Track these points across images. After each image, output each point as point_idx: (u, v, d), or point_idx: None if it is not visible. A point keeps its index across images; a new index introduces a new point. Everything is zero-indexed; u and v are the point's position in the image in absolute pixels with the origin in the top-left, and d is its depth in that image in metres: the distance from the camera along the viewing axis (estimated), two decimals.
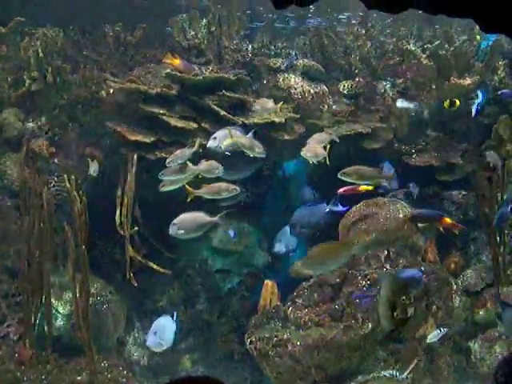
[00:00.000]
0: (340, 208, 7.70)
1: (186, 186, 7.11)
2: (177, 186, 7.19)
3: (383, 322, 5.40)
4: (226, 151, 7.11)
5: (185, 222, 7.04)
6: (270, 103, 7.75)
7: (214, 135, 7.15)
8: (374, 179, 7.30)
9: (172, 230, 7.06)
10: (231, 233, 8.11)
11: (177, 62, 7.74)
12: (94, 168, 7.54)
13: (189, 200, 7.10)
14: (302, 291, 7.44)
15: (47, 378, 6.91)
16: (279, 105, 7.74)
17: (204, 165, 7.12)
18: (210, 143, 7.12)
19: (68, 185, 6.67)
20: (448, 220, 7.38)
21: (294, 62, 8.73)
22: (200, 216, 7.14)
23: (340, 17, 9.84)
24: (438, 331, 6.81)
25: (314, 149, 7.30)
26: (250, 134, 7.17)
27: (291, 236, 8.11)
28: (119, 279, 7.92)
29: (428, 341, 6.83)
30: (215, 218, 7.18)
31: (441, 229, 7.55)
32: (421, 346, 7.25)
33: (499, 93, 8.12)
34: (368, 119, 8.49)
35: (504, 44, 9.01)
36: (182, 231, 7.03)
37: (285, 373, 6.99)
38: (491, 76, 8.72)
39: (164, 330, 6.86)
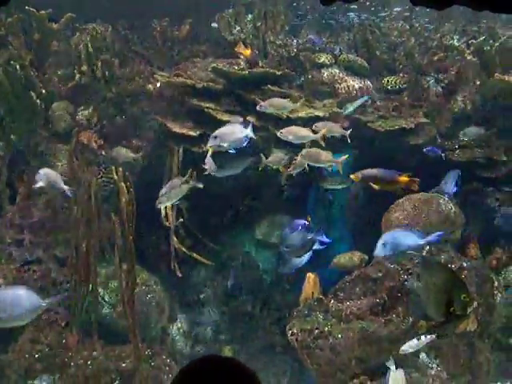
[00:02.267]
0: (324, 239, 7.53)
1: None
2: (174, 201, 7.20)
3: (433, 313, 5.40)
4: (231, 148, 7.03)
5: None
6: (285, 103, 7.60)
7: (214, 134, 6.96)
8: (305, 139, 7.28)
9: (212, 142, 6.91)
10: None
11: (247, 52, 7.88)
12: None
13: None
14: (343, 284, 7.47)
15: (93, 364, 7.08)
16: (293, 105, 7.64)
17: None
18: (211, 142, 6.96)
19: (115, 176, 6.82)
20: (404, 178, 7.06)
21: (322, 44, 8.72)
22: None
23: (382, 14, 9.84)
24: (416, 341, 6.52)
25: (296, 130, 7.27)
26: (250, 129, 7.08)
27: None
28: (164, 270, 8.05)
29: (402, 351, 6.58)
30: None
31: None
32: (462, 341, 7.26)
33: (424, 150, 8.12)
34: (411, 114, 8.49)
35: None
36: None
37: (325, 365, 7.04)
38: None
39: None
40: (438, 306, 5.32)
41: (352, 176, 7.21)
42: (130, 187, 6.67)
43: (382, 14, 9.85)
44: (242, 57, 8.34)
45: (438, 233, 6.93)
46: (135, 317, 6.79)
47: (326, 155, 7.24)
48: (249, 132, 6.99)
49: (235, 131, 6.97)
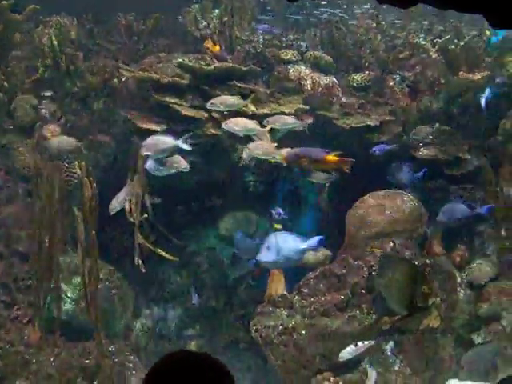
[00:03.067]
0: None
1: None
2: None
3: (397, 307, 5.43)
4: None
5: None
6: (232, 99, 7.53)
7: (143, 143, 6.97)
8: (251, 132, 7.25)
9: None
10: (279, 211, 8.05)
11: (216, 48, 7.84)
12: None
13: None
14: (308, 281, 7.49)
15: (55, 361, 7.00)
16: (243, 102, 7.57)
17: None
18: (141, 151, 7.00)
19: (79, 171, 6.75)
20: (333, 158, 6.82)
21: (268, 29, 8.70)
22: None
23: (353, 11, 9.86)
24: (353, 347, 6.55)
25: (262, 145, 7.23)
26: (181, 141, 7.00)
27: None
28: (128, 265, 7.97)
29: (341, 358, 6.62)
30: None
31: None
32: (424, 337, 7.32)
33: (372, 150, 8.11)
34: (377, 112, 8.52)
35: None
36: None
37: (289, 361, 7.08)
38: (500, 71, 8.69)
39: None
40: (401, 300, 5.36)
41: (278, 157, 7.12)
42: (93, 182, 6.61)
43: (353, 11, 9.86)
44: (209, 52, 8.30)
45: (320, 237, 7.02)
46: (98, 313, 6.73)
47: (270, 147, 7.18)
48: (179, 143, 6.96)
49: (163, 142, 6.96)
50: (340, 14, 9.73)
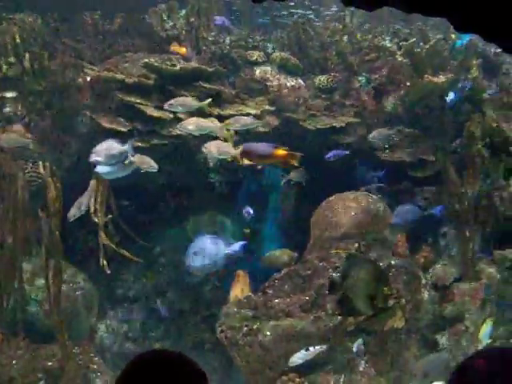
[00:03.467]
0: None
1: None
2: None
3: (363, 307, 5.46)
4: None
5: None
6: (191, 101, 7.47)
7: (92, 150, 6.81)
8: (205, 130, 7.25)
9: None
10: (249, 211, 8.02)
11: (183, 50, 7.80)
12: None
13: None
14: (273, 282, 7.50)
15: (18, 363, 6.92)
16: (200, 103, 7.50)
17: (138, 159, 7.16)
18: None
19: (43, 171, 6.68)
20: (281, 152, 6.85)
21: (227, 25, 8.69)
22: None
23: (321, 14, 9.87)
24: (305, 351, 6.61)
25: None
26: (128, 146, 6.94)
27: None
28: (92, 267, 7.92)
29: (291, 363, 6.68)
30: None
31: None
32: (389, 338, 7.34)
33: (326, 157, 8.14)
34: (342, 114, 8.55)
35: (478, 43, 9.14)
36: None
37: (254, 362, 7.07)
38: (465, 74, 8.78)
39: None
40: (366, 300, 5.39)
41: (232, 154, 7.14)
42: (57, 182, 6.55)
43: (321, 13, 9.87)
44: (174, 51, 8.27)
45: (242, 242, 7.07)
46: (62, 314, 6.68)
47: (225, 146, 7.18)
48: (126, 149, 6.91)
49: (110, 148, 6.85)
50: (310, 16, 9.71)
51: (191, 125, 7.13)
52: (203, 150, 7.04)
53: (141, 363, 2.16)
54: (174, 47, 7.96)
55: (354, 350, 6.96)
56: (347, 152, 8.05)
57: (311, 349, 6.55)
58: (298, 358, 6.56)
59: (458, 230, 8.22)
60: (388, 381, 7.31)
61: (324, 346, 6.55)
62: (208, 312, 8.35)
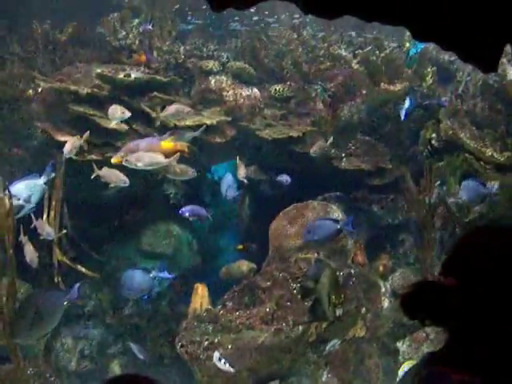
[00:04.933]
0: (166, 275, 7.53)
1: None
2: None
3: (327, 311, 5.43)
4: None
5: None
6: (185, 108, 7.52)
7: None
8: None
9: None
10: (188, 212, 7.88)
11: (143, 58, 7.72)
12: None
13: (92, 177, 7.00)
14: (232, 294, 7.42)
15: None
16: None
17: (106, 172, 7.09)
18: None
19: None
20: (167, 145, 6.92)
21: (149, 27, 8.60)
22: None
23: (271, 21, 9.82)
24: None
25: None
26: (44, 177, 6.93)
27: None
28: (47, 283, 7.70)
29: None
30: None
31: None
32: (351, 347, 7.34)
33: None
34: (299, 123, 8.52)
35: (433, 51, 9.21)
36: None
37: (216, 376, 6.94)
38: (420, 82, 8.85)
39: None
40: (329, 305, 5.39)
41: (114, 159, 6.97)
42: (9, 198, 6.35)
43: (271, 21, 9.81)
44: (140, 62, 8.13)
45: (162, 264, 7.46)
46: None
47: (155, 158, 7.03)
48: (41, 181, 6.85)
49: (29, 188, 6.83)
50: (273, 24, 9.64)
51: (140, 161, 6.95)
52: (126, 163, 6.87)
53: None
54: (135, 58, 7.84)
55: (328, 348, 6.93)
56: (289, 181, 8.00)
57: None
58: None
59: (416, 237, 8.25)
60: None
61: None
62: (166, 327, 8.19)
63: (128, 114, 7.15)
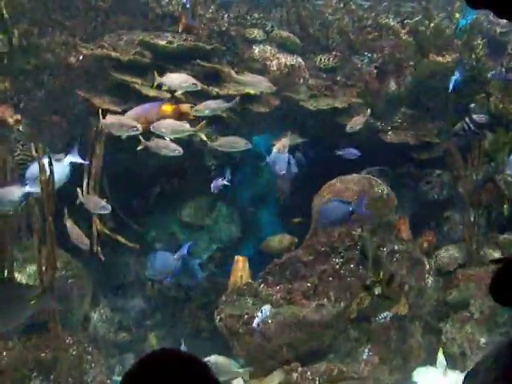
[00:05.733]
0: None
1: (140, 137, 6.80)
2: None
3: None
4: None
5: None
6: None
7: None
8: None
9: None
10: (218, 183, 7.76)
11: (185, 23, 7.60)
12: None
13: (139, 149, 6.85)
14: (273, 268, 7.31)
15: (7, 356, 6.63)
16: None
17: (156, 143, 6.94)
18: None
19: (35, 153, 6.40)
20: (168, 108, 6.77)
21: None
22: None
23: None
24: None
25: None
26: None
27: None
28: (86, 253, 7.64)
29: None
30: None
31: None
32: (393, 325, 7.20)
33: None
34: (344, 94, 8.34)
35: (483, 23, 8.95)
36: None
37: (254, 351, 6.92)
38: (469, 54, 8.60)
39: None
40: None
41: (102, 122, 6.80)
42: (50, 165, 6.26)
43: None
44: (179, 28, 7.99)
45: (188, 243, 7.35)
46: (55, 303, 6.41)
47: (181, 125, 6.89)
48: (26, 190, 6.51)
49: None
50: None
51: (165, 128, 6.84)
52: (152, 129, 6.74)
53: (146, 365, 1.99)
54: (178, 25, 7.72)
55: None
56: (359, 154, 7.80)
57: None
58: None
59: (462, 214, 8.14)
60: (391, 369, 7.19)
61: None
62: (205, 299, 8.11)
63: (199, 86, 7.02)
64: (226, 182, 7.67)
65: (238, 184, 8.63)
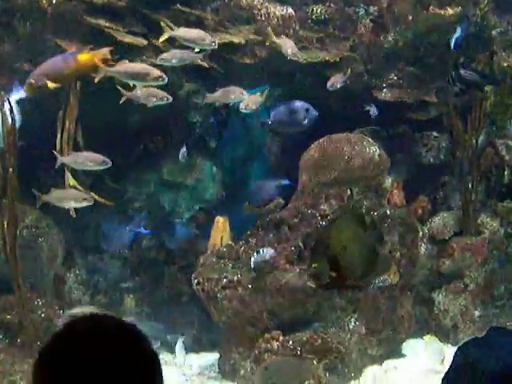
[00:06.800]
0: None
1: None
2: None
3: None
4: None
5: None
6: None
7: None
8: None
9: None
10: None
11: None
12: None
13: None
14: (256, 230, 7.05)
15: None
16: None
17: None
18: None
19: None
20: (85, 56, 6.25)
21: None
22: None
23: None
24: None
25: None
26: None
27: None
28: (58, 211, 7.29)
29: None
30: None
31: None
32: (382, 294, 6.95)
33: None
34: (336, 47, 7.94)
35: None
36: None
37: (233, 317, 6.70)
38: (473, 9, 8.16)
39: None
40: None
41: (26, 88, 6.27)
42: (12, 114, 5.88)
43: None
44: None
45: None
46: (18, 262, 6.11)
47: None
48: None
49: None
50: None
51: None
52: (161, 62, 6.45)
53: (71, 336, 1.70)
54: None
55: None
56: (376, 113, 7.64)
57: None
58: None
59: (459, 180, 7.87)
60: (380, 340, 6.98)
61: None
62: (185, 262, 7.79)
63: (215, 46, 6.71)
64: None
65: (224, 142, 8.31)
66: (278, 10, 7.95)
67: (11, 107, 5.83)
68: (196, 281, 6.80)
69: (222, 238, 7.16)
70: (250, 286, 6.61)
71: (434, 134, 8.22)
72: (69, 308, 7.03)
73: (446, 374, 2.24)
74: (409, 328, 7.22)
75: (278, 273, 6.63)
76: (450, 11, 7.82)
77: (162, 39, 6.73)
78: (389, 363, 7.00)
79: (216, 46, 6.77)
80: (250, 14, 7.85)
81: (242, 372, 6.64)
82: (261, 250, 6.53)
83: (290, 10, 8.05)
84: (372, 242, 4.40)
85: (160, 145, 8.07)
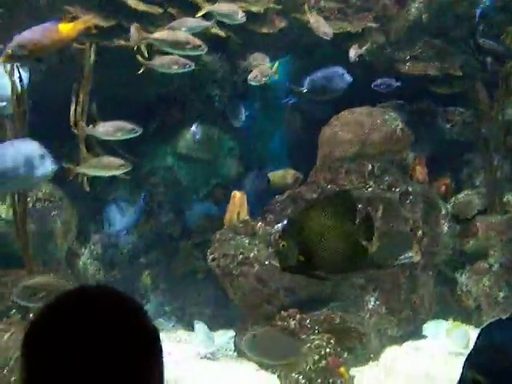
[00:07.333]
0: None
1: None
2: None
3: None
4: None
5: None
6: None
7: None
8: None
9: None
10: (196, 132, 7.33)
11: None
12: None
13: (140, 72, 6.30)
14: (274, 205, 6.90)
15: None
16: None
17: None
18: None
19: (7, 69, 5.84)
20: (67, 26, 5.65)
21: None
22: None
23: None
24: None
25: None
26: None
27: None
28: (73, 184, 7.17)
29: None
30: None
31: None
32: (403, 274, 6.79)
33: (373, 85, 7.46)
34: (359, 19, 7.73)
35: None
36: None
37: (250, 295, 6.55)
38: None
39: None
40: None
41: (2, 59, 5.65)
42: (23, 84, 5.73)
43: None
44: None
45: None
46: (28, 236, 5.99)
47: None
48: None
49: None
50: None
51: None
52: None
53: (63, 308, 1.60)
54: None
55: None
56: (398, 84, 7.40)
57: None
58: None
59: (484, 157, 7.64)
60: (400, 321, 6.82)
61: None
62: (201, 237, 7.66)
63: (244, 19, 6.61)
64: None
65: (243, 116, 8.10)
66: None
67: (20, 75, 5.64)
68: (211, 257, 6.69)
69: (238, 213, 7.00)
70: (266, 263, 6.47)
71: (459, 109, 8.04)
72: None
73: (469, 355, 2.14)
74: (430, 309, 7.07)
75: None
76: None
77: (199, 14, 6.55)
78: (409, 344, 6.85)
79: (245, 19, 6.63)
80: None
81: None
82: (279, 225, 6.34)
83: None
84: (357, 237, 3.91)
85: (177, 118, 7.93)
